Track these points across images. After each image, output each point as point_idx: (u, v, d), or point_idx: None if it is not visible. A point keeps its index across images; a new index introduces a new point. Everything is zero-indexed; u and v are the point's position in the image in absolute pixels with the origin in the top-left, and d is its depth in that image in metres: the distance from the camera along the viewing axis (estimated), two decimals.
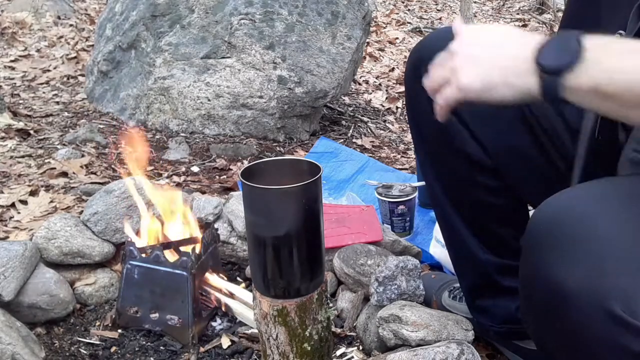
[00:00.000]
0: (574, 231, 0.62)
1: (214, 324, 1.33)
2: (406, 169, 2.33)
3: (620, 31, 0.77)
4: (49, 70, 3.37)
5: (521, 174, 1.04)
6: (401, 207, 1.72)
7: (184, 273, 1.26)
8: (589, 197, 0.65)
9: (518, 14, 6.22)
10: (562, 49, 0.62)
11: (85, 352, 1.25)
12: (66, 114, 2.71)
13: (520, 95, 0.67)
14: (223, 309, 1.34)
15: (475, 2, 6.25)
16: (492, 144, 1.03)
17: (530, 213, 1.11)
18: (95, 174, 2.03)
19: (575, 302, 0.60)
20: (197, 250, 1.30)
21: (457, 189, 1.10)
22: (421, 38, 1.11)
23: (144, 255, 1.30)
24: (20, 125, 2.40)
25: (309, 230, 0.96)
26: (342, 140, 2.59)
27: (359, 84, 3.47)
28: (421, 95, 1.05)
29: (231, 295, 1.34)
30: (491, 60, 0.67)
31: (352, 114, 2.96)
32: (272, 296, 0.99)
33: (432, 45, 1.04)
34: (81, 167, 2.04)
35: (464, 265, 1.18)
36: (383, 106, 3.12)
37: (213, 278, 1.38)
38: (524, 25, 5.43)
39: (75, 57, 3.54)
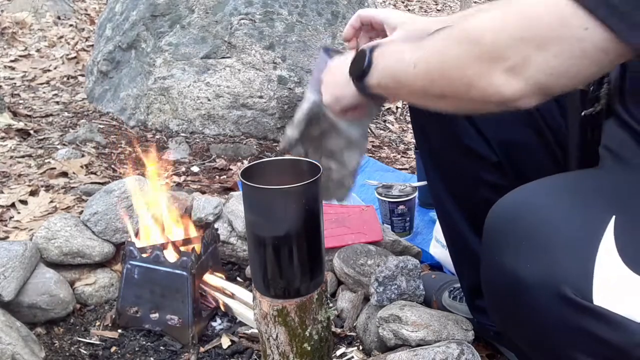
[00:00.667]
0: (524, 223, 0.66)
1: (214, 324, 1.33)
2: (406, 169, 2.33)
3: None
4: (49, 70, 3.37)
5: (525, 170, 1.05)
6: (401, 207, 1.72)
7: (184, 273, 1.26)
8: (538, 192, 0.70)
9: None
10: (359, 61, 0.86)
11: (85, 352, 1.25)
12: (66, 114, 2.71)
13: (356, 97, 0.91)
14: (223, 308, 1.34)
15: (475, 2, 6.25)
16: (497, 139, 1.04)
17: None
18: (95, 174, 2.03)
19: (530, 290, 0.64)
20: (197, 250, 1.30)
21: (462, 187, 1.10)
22: None
23: (144, 255, 1.30)
24: (20, 125, 2.40)
25: (309, 230, 0.96)
26: None
27: None
28: None
29: (231, 296, 1.34)
30: (332, 84, 0.96)
31: None
32: (272, 296, 0.99)
33: None
34: (81, 167, 2.04)
35: (466, 264, 1.18)
36: (383, 106, 3.12)
37: (213, 278, 1.38)
38: None
39: (75, 57, 3.54)
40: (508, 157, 1.04)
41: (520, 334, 0.71)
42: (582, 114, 0.86)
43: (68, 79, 3.27)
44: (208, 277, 1.36)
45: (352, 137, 1.03)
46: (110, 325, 1.33)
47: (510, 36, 0.63)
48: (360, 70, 0.87)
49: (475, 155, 1.05)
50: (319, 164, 0.98)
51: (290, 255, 0.96)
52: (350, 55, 0.92)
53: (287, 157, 1.04)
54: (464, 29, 0.69)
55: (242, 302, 1.32)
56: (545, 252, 0.63)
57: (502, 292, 0.69)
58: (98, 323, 1.34)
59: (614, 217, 0.63)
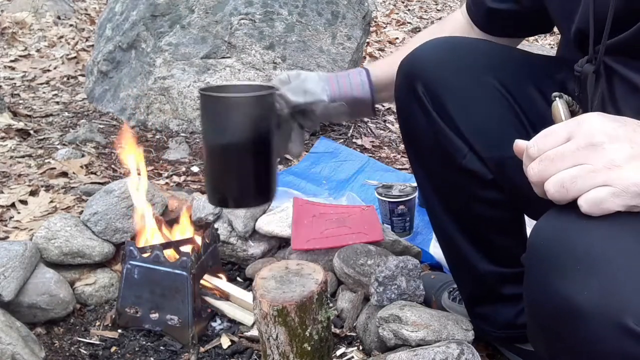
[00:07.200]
0: (580, 248, 0.62)
1: (214, 324, 1.33)
2: (406, 169, 2.33)
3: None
4: (49, 70, 3.37)
5: (520, 187, 1.03)
6: (401, 207, 1.72)
7: (184, 273, 1.26)
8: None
9: None
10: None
11: (85, 352, 1.25)
12: (66, 114, 2.71)
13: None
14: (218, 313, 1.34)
15: None
16: (491, 156, 1.01)
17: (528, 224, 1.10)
18: (95, 174, 2.03)
19: (587, 318, 0.59)
20: (197, 250, 1.30)
21: (457, 203, 1.08)
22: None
23: (144, 255, 1.30)
24: (20, 125, 2.40)
25: (255, 143, 0.98)
26: (342, 140, 2.59)
27: None
28: (415, 111, 1.04)
29: (227, 297, 1.34)
30: None
31: None
32: (216, 203, 1.04)
33: (426, 57, 1.02)
34: (81, 167, 2.04)
35: (464, 276, 1.18)
36: (383, 106, 3.12)
37: (212, 280, 1.38)
38: None
39: (75, 57, 3.54)
40: (503, 176, 1.01)
41: None
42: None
43: (68, 79, 3.27)
44: (208, 279, 1.36)
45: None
46: (110, 325, 1.33)
47: None
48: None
49: (471, 174, 1.02)
50: (276, 86, 1.00)
51: (237, 164, 0.98)
52: None
53: (245, 82, 1.10)
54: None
55: (240, 303, 1.32)
56: (605, 279, 0.59)
57: (551, 318, 0.64)
58: (98, 323, 1.34)
59: None
